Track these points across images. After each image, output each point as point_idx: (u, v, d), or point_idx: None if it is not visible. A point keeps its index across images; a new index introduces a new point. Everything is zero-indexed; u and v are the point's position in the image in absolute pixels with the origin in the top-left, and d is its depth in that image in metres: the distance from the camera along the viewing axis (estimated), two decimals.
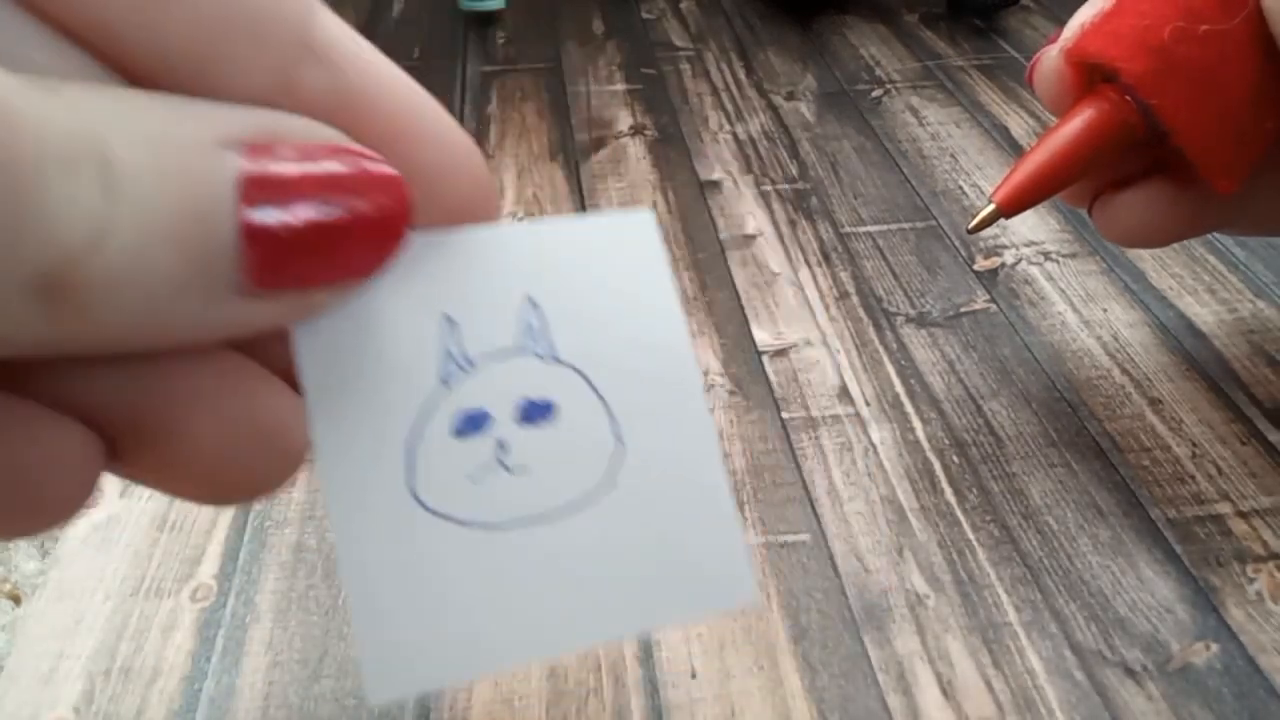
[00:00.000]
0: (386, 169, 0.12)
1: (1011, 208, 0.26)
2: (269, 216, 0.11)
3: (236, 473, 0.13)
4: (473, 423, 0.14)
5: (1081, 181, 0.28)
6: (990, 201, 0.27)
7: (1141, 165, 0.28)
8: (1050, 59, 0.27)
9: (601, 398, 0.15)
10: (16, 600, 0.27)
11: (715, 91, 0.56)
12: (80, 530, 0.28)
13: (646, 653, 0.24)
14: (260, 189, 0.11)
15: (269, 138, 0.11)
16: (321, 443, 0.13)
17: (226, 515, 0.28)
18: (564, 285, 0.15)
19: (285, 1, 0.11)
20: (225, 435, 0.12)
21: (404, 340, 0.14)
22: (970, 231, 0.27)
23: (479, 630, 0.13)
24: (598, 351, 0.15)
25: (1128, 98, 0.25)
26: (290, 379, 0.13)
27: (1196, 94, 0.24)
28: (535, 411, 0.14)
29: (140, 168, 0.10)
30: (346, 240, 0.12)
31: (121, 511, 0.28)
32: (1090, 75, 0.26)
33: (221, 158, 0.10)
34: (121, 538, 0.27)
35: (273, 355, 0.13)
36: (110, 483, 0.30)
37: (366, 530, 0.13)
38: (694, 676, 0.24)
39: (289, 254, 0.11)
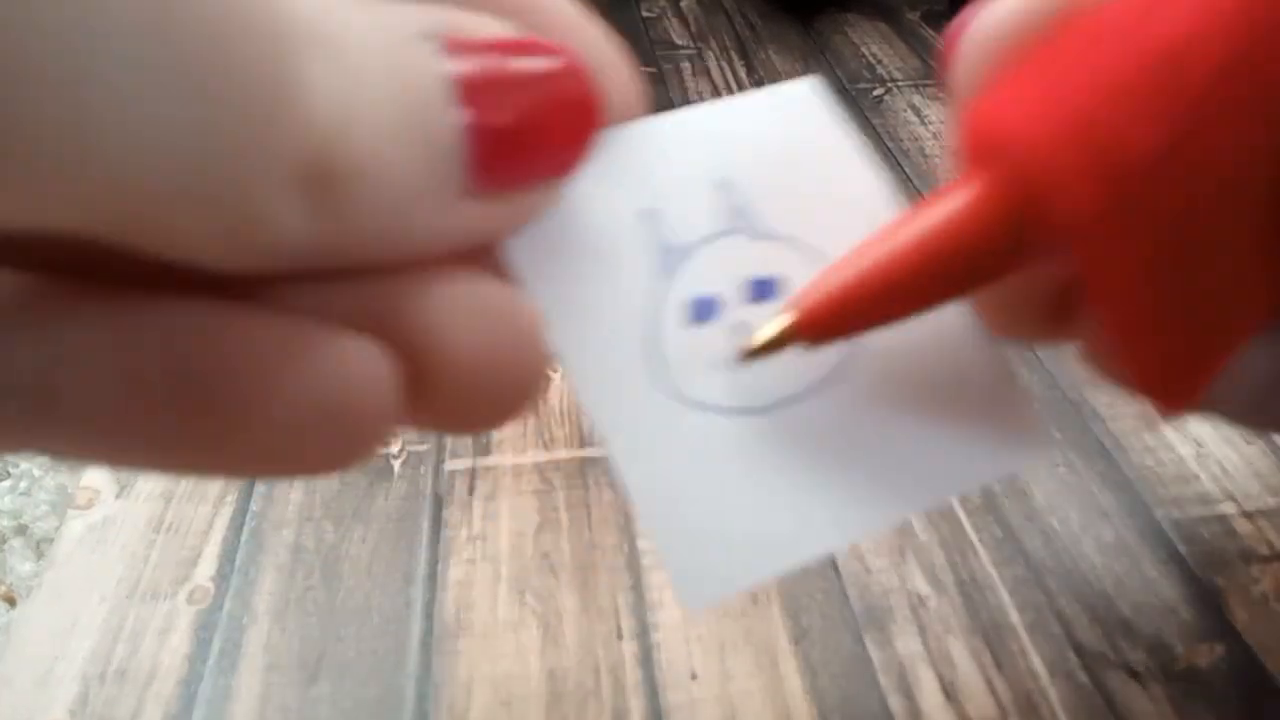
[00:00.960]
0: (576, 59, 0.11)
1: (812, 331, 0.13)
2: (483, 113, 0.10)
3: (498, 385, 0.12)
4: (705, 308, 0.14)
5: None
6: (780, 311, 0.14)
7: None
8: (973, 44, 0.14)
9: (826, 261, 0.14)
10: (11, 602, 0.27)
11: (716, 90, 0.56)
12: (75, 531, 0.27)
13: (646, 654, 0.24)
14: (470, 86, 0.10)
15: (459, 33, 0.11)
16: (567, 353, 0.13)
17: (223, 517, 0.28)
18: (752, 161, 0.14)
19: None
20: (484, 342, 0.11)
21: (613, 237, 0.13)
22: (740, 359, 0.14)
23: (777, 521, 0.13)
24: (806, 219, 0.14)
25: (1005, 185, 0.13)
26: None
27: (1125, 192, 0.12)
28: (763, 289, 0.14)
29: (365, 55, 0.09)
30: (555, 132, 0.11)
31: (117, 513, 0.28)
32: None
33: (429, 53, 0.10)
34: (118, 539, 0.27)
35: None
36: (107, 484, 0.30)
37: (638, 438, 0.13)
38: (694, 678, 0.24)
39: (507, 150, 0.11)
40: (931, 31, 0.64)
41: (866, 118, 0.52)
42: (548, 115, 0.11)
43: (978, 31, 0.14)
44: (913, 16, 0.66)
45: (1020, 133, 0.12)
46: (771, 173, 0.14)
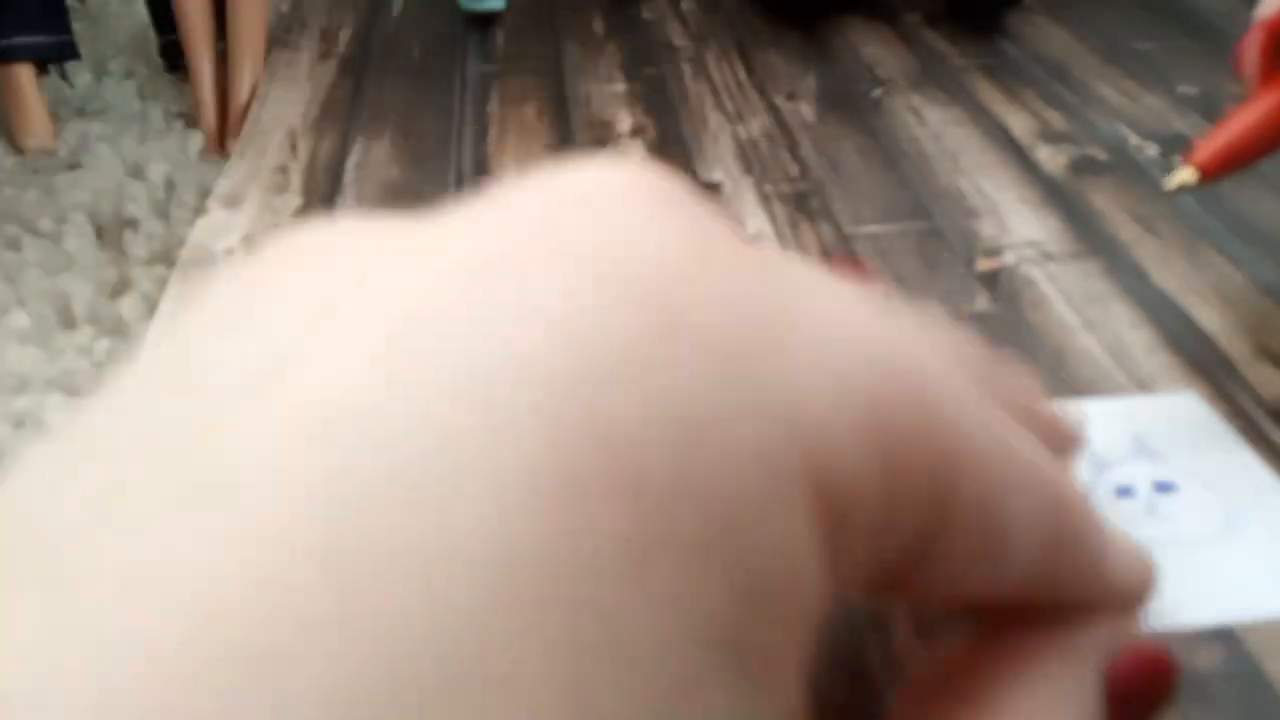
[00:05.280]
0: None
1: (1211, 172, 0.27)
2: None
3: None
4: (1124, 492, 0.25)
5: None
6: (1187, 164, 0.27)
7: None
8: (1253, 33, 0.27)
9: (1209, 485, 0.25)
10: None
11: (716, 92, 0.56)
12: None
13: None
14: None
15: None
16: None
17: None
18: (1157, 426, 0.27)
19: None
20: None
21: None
22: (1170, 193, 0.28)
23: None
24: (1195, 461, 0.26)
25: None
26: None
27: None
28: (1164, 487, 0.25)
29: None
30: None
31: None
32: None
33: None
34: None
35: None
36: None
37: None
38: None
39: None
40: (931, 34, 0.64)
41: (866, 120, 0.52)
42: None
43: None
44: (912, 19, 0.66)
45: None
46: (1167, 435, 0.27)
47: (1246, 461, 0.26)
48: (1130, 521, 0.24)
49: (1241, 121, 0.26)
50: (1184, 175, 0.27)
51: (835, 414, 0.10)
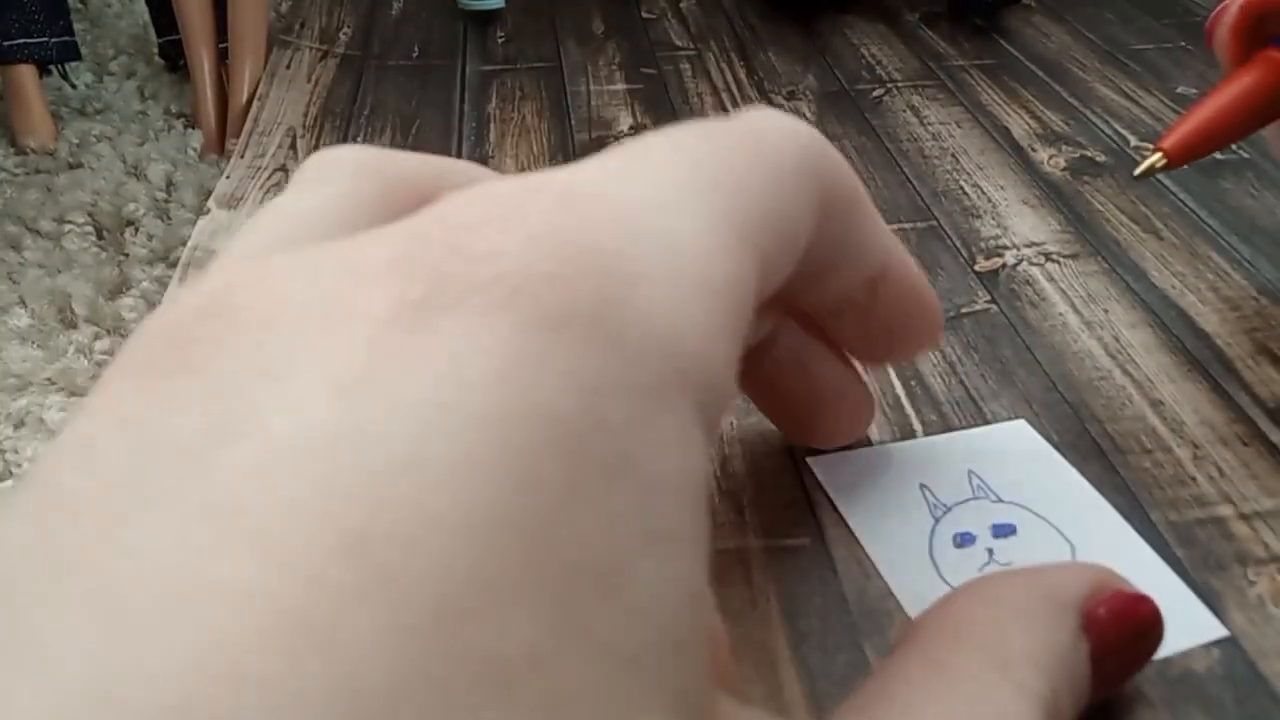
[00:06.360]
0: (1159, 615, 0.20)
1: (1180, 157, 0.26)
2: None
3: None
4: (966, 539, 0.25)
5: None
6: (1157, 150, 0.27)
7: None
8: (1229, 14, 0.27)
9: (1046, 520, 0.25)
10: None
11: (716, 91, 0.56)
12: None
13: None
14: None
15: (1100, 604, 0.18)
16: (865, 537, 0.25)
17: None
18: (991, 461, 0.27)
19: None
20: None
21: (900, 493, 0.26)
22: (1136, 177, 0.28)
23: None
24: (1031, 495, 0.26)
25: None
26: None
27: None
28: (1003, 530, 0.25)
29: None
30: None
31: None
32: (1260, 33, 0.26)
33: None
34: None
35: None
36: None
37: (914, 586, 0.24)
38: None
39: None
40: (931, 33, 0.64)
41: (866, 119, 0.52)
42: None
43: None
44: (912, 18, 0.66)
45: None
46: (1003, 469, 0.26)
47: (1079, 486, 0.26)
48: (974, 569, 0.24)
49: (1211, 105, 0.26)
50: (1152, 159, 0.27)
51: (692, 313, 0.12)
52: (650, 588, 0.11)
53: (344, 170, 0.16)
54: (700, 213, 0.13)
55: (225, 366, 0.11)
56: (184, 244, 0.44)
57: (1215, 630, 0.23)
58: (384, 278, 0.12)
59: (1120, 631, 0.18)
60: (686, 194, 0.14)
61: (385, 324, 0.11)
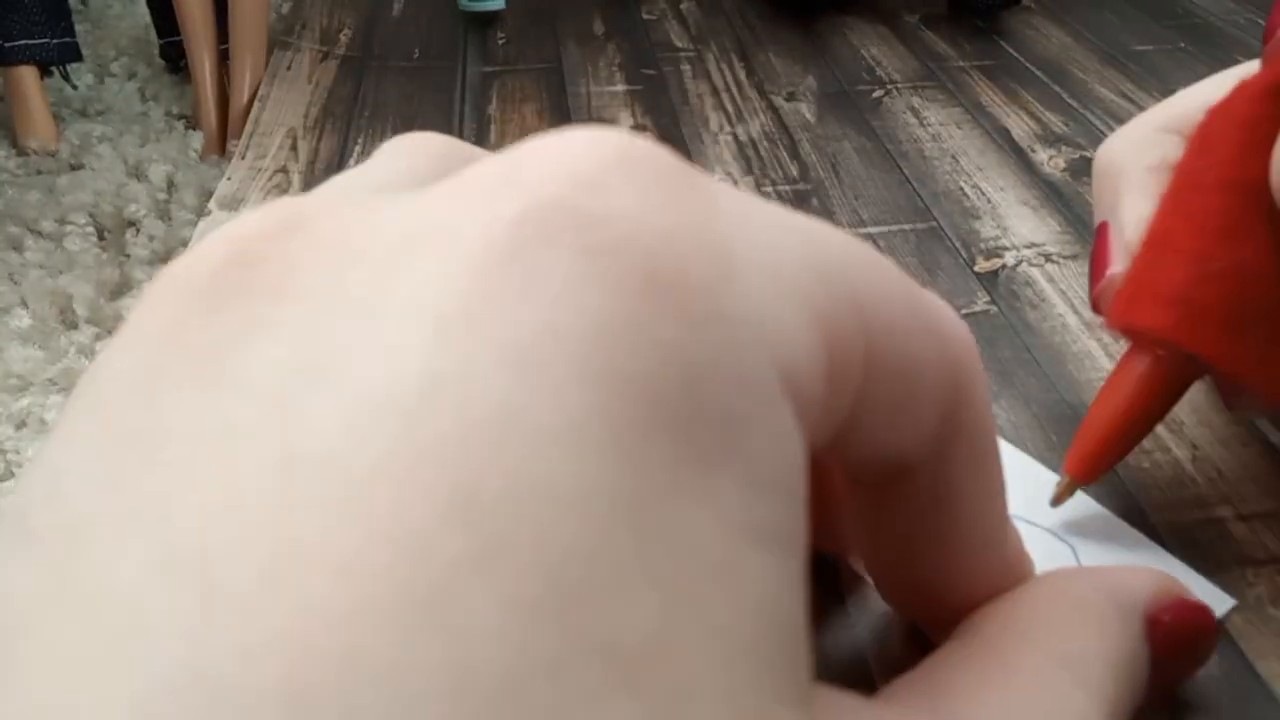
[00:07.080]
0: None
1: (1088, 477, 0.25)
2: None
3: None
4: None
5: None
6: (1065, 474, 0.25)
7: None
8: (1109, 290, 0.26)
9: (1039, 526, 0.25)
10: None
11: (716, 92, 0.56)
12: None
13: None
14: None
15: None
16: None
17: None
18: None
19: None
20: None
21: None
22: (1053, 505, 0.25)
23: None
24: (1020, 506, 0.23)
25: (1166, 352, 0.24)
26: None
27: (1233, 328, 0.23)
28: None
29: None
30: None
31: None
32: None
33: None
34: None
35: None
36: None
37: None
38: None
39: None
40: (931, 34, 0.64)
41: (866, 120, 0.52)
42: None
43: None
44: (912, 19, 0.66)
45: (1157, 327, 0.23)
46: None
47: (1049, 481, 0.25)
48: None
49: (1102, 416, 0.25)
50: (1062, 487, 0.25)
51: (791, 324, 0.11)
52: (762, 583, 0.10)
53: (417, 147, 0.15)
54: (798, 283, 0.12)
55: (305, 290, 0.10)
56: (185, 245, 0.44)
57: (1226, 602, 0.23)
58: (477, 197, 0.11)
59: (1181, 639, 0.17)
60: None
61: (483, 246, 0.10)
